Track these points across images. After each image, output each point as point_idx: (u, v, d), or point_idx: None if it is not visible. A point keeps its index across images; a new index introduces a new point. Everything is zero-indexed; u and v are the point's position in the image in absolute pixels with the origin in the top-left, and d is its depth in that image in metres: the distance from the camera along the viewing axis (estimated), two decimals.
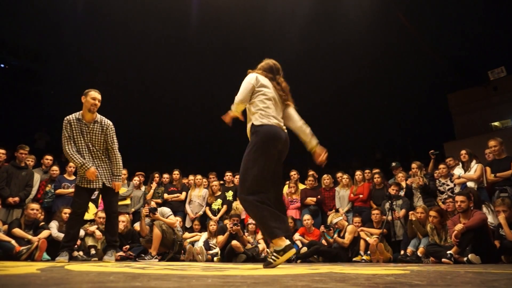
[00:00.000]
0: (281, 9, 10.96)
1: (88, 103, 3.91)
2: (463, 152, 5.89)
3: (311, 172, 7.22)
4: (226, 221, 6.14)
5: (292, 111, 2.89)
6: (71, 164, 6.37)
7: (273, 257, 2.45)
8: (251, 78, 2.75)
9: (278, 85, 2.84)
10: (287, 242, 2.43)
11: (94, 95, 3.96)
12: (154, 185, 7.07)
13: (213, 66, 12.83)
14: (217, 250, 5.96)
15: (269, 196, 2.54)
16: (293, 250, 2.46)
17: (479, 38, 11.47)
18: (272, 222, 2.42)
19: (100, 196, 6.27)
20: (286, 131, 2.75)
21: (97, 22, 11.18)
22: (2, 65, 12.85)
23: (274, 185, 2.71)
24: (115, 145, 4.14)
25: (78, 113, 4.00)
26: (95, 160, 4.04)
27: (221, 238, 5.86)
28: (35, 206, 5.27)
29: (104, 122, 4.07)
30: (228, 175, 7.15)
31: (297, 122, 2.85)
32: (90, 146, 4.02)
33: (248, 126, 2.71)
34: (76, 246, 5.38)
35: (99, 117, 4.06)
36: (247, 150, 2.62)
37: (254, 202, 2.46)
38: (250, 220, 6.23)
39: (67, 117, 3.97)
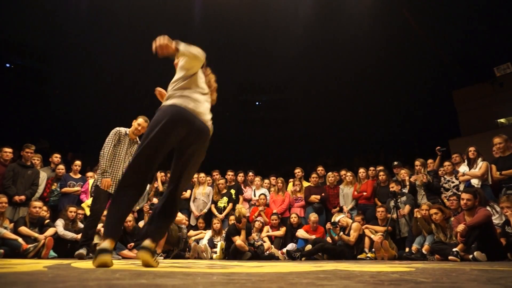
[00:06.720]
0: (284, 6, 10.93)
1: (133, 127, 4.40)
2: (471, 149, 5.80)
3: (319, 168, 7.23)
4: (232, 217, 6.18)
5: None
6: (76, 162, 6.43)
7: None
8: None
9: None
10: (106, 246, 2.05)
11: (140, 122, 4.38)
12: (158, 183, 7.10)
13: (216, 64, 12.81)
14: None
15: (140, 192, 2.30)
16: (104, 259, 1.99)
17: (485, 34, 11.35)
18: (110, 220, 2.22)
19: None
20: (203, 118, 2.35)
21: (102, 23, 11.22)
22: (7, 65, 12.95)
23: (171, 183, 2.45)
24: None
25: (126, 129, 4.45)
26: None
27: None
28: (38, 204, 5.30)
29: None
30: (230, 174, 7.17)
31: None
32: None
33: None
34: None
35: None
36: None
37: (113, 200, 2.29)
38: (257, 218, 6.28)
39: (118, 128, 4.36)
